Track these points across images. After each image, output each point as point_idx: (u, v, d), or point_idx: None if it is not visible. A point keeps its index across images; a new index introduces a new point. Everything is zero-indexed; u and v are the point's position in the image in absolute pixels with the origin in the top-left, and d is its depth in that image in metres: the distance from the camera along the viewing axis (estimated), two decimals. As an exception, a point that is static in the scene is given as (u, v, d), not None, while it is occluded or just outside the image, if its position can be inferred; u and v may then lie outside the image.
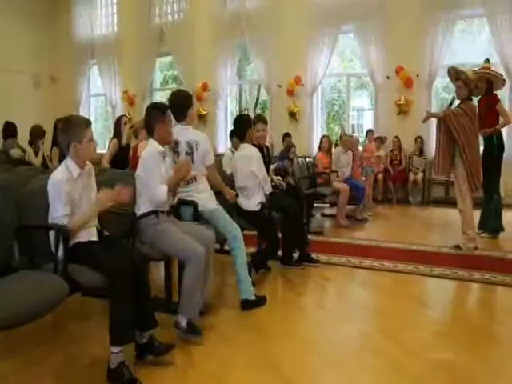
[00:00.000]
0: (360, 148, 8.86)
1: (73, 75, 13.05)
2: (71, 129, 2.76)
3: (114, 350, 2.50)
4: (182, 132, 3.62)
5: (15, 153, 6.60)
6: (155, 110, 3.30)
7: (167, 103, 3.62)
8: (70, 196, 2.67)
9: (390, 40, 9.08)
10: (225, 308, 3.60)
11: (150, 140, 3.27)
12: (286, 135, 7.90)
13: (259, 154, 4.43)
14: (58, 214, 2.63)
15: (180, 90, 4.05)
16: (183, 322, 3.02)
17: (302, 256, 4.82)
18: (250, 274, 3.82)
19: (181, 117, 3.64)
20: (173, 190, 3.26)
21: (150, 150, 3.20)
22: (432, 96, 9.12)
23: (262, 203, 4.35)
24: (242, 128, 4.39)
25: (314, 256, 4.88)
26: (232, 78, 11.17)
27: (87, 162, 2.86)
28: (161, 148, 3.22)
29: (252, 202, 4.31)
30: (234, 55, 10.90)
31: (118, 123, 5.80)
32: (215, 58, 10.88)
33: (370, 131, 9.23)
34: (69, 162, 2.75)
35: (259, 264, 4.40)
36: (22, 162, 6.44)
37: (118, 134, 5.73)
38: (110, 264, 2.52)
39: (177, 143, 3.60)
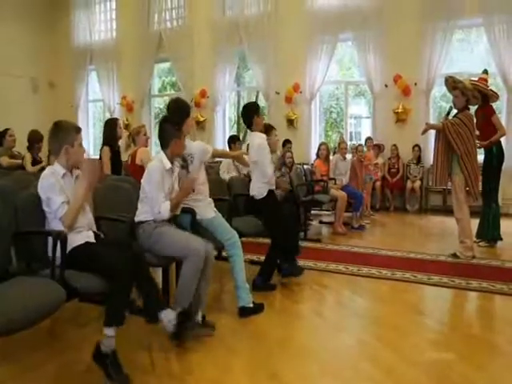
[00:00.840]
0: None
1: (71, 80, 13.06)
2: (63, 132, 2.81)
3: (109, 332, 2.52)
4: None
5: (3, 161, 6.56)
6: (171, 125, 3.31)
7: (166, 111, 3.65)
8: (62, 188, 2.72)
9: (388, 48, 9.14)
10: (222, 315, 3.58)
11: (161, 154, 3.29)
12: (287, 142, 7.85)
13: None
14: (56, 204, 2.66)
15: (178, 98, 4.02)
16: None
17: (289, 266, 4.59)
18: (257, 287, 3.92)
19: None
20: (176, 206, 3.29)
21: (157, 164, 3.23)
22: (430, 104, 9.16)
23: (271, 190, 4.35)
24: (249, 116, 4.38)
25: (302, 263, 4.77)
26: (230, 84, 11.19)
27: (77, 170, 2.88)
28: (168, 164, 3.24)
29: (262, 184, 4.30)
30: (233, 62, 10.92)
31: (113, 127, 5.50)
32: (214, 64, 10.92)
33: (368, 139, 9.23)
34: (56, 165, 2.82)
35: (266, 273, 4.28)
36: (13, 167, 6.37)
37: (112, 138, 5.42)
38: (109, 259, 2.55)
39: None
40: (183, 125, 3.61)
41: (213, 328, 3.23)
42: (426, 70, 8.94)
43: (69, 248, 2.62)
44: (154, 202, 3.15)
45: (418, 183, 9.03)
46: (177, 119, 3.55)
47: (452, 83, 5.36)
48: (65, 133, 2.81)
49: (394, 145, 9.29)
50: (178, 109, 3.71)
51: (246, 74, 12.94)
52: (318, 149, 7.66)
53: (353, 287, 4.46)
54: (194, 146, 3.67)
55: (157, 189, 3.15)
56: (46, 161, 6.56)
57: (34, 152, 6.65)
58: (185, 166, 3.57)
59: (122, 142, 5.66)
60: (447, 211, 8.20)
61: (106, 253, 2.65)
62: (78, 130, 2.89)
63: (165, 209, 3.15)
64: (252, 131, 4.37)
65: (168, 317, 2.76)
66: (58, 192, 2.68)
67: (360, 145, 8.10)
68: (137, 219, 3.22)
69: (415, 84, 9.08)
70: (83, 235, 2.79)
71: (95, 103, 13.90)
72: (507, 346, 3.11)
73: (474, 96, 5.41)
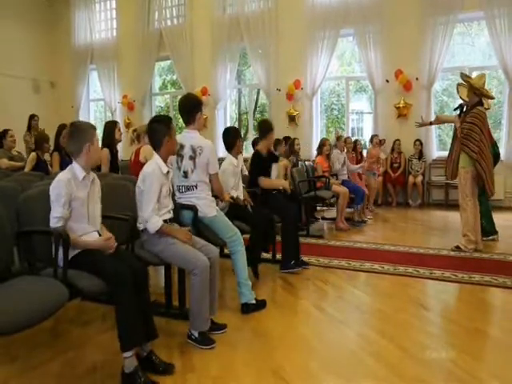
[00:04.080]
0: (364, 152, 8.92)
1: (72, 80, 13.09)
2: (81, 131, 2.77)
3: (127, 354, 2.48)
4: (188, 136, 3.61)
5: (2, 163, 6.54)
6: (161, 124, 3.20)
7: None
8: (73, 198, 2.64)
9: (389, 43, 9.13)
10: (225, 311, 3.58)
11: (156, 156, 3.17)
12: (287, 138, 7.83)
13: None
14: (53, 214, 2.61)
15: (190, 93, 4.03)
16: (195, 334, 3.03)
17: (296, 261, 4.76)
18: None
19: (188, 120, 3.63)
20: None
21: (154, 167, 3.12)
22: (431, 99, 9.13)
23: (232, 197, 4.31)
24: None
25: (305, 259, 4.91)
26: (231, 82, 11.20)
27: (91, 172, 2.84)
28: (165, 168, 3.15)
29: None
30: (234, 59, 10.92)
31: (112, 129, 5.51)
32: (214, 62, 10.93)
33: (375, 136, 9.16)
34: (75, 165, 2.75)
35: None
36: (12, 170, 6.34)
37: (110, 140, 5.45)
38: (112, 272, 2.50)
39: (182, 147, 3.58)
40: (194, 119, 3.62)
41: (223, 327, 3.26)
42: (427, 65, 8.93)
43: (72, 254, 2.58)
44: (143, 208, 3.05)
45: (419, 178, 9.03)
46: (186, 116, 3.61)
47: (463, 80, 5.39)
48: (84, 131, 2.76)
49: (398, 139, 9.27)
50: (188, 103, 3.69)
51: (247, 72, 12.93)
52: (321, 145, 7.62)
53: (355, 282, 4.47)
54: (204, 140, 3.65)
55: (153, 195, 3.05)
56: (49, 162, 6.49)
57: (42, 152, 6.45)
58: (193, 157, 3.58)
59: (122, 141, 5.64)
60: (449, 206, 8.22)
61: (108, 263, 2.58)
62: (95, 128, 2.87)
63: (155, 223, 3.02)
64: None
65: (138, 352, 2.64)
66: (62, 204, 2.60)
67: (348, 137, 8.10)
68: (140, 227, 3.13)
69: (416, 79, 9.08)
70: (87, 238, 2.73)
71: (96, 102, 13.93)
72: (510, 340, 3.11)
73: (482, 94, 5.33)
